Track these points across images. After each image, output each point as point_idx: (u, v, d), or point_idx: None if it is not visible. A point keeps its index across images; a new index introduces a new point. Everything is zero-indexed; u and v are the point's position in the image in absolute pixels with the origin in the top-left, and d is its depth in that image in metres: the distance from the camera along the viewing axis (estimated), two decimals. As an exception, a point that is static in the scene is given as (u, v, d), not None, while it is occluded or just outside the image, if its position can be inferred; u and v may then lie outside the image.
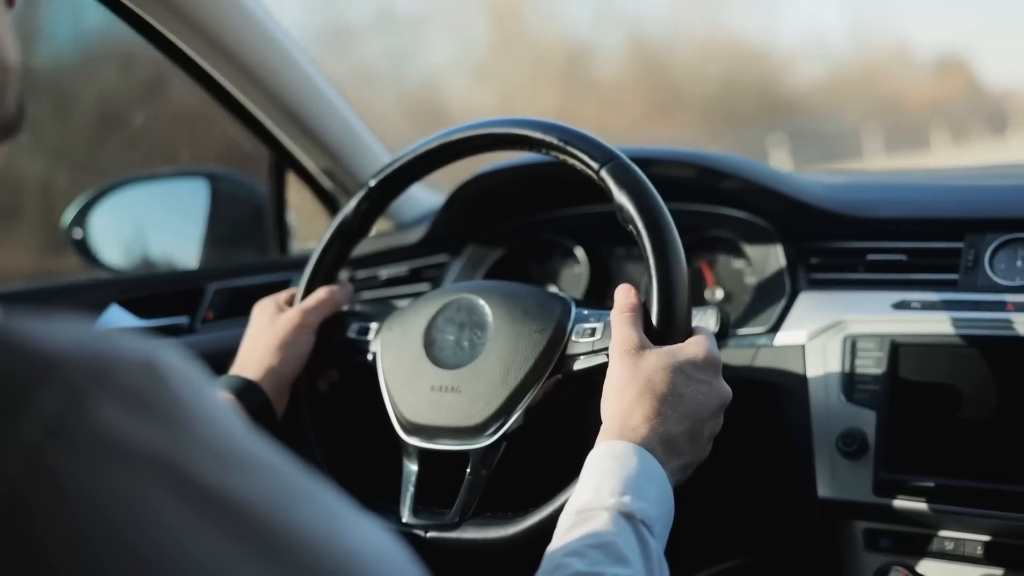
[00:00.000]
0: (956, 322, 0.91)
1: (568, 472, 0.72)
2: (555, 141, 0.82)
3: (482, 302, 0.87)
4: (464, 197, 1.20)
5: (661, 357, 0.71)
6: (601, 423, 0.71)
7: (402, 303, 1.22)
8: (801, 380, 0.97)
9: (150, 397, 0.32)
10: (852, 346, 0.95)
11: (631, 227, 0.77)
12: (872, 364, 0.93)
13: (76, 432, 0.30)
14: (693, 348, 0.72)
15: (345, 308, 1.00)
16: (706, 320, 0.80)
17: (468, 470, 0.82)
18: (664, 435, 0.68)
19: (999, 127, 24.35)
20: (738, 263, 1.13)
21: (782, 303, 1.02)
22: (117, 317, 1.07)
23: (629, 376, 0.70)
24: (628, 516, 0.61)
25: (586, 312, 0.83)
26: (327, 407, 0.98)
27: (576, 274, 1.21)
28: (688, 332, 0.75)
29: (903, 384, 0.92)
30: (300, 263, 1.08)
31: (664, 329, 0.74)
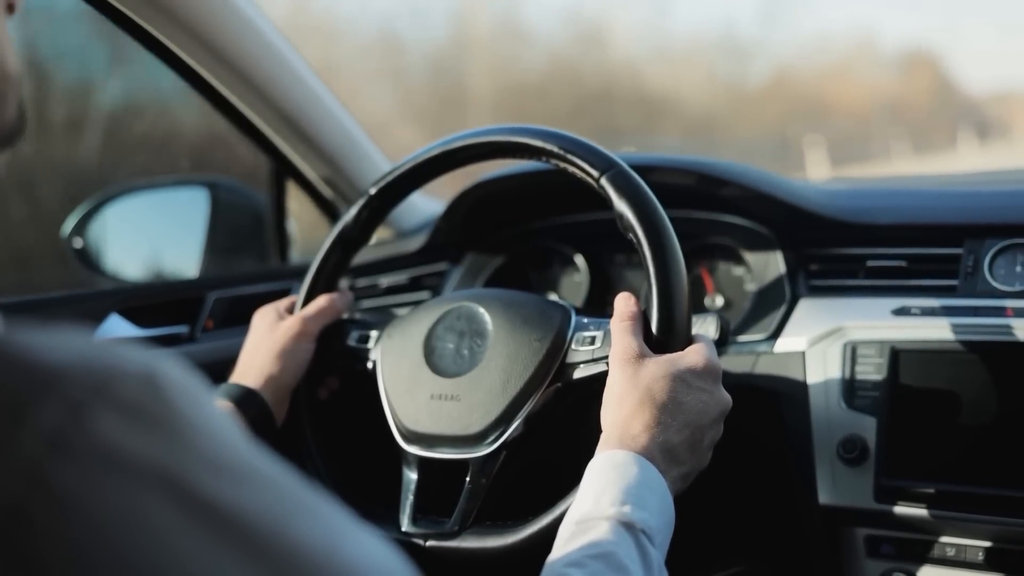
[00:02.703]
0: (956, 328, 0.91)
1: (568, 481, 0.72)
2: (555, 149, 0.82)
3: (482, 310, 0.87)
4: (464, 205, 1.20)
5: (661, 365, 0.71)
6: (601, 432, 0.71)
7: (402, 311, 1.22)
8: (801, 387, 0.97)
9: (150, 410, 0.32)
10: (852, 352, 0.95)
11: (631, 235, 0.78)
12: (872, 370, 0.93)
13: (76, 445, 0.30)
14: (693, 356, 0.72)
15: (345, 316, 1.00)
16: (706, 327, 0.80)
17: (468, 479, 0.81)
18: (664, 444, 0.67)
19: (928, 144, 19.02)
20: (738, 270, 1.13)
21: (782, 310, 1.02)
22: (117, 326, 1.07)
23: (629, 385, 0.70)
24: (628, 526, 0.61)
25: (586, 320, 0.83)
26: (327, 415, 0.98)
27: (576, 282, 1.21)
28: (688, 340, 0.75)
29: (903, 390, 0.92)
30: (300, 271, 1.08)
31: (664, 337, 0.74)
